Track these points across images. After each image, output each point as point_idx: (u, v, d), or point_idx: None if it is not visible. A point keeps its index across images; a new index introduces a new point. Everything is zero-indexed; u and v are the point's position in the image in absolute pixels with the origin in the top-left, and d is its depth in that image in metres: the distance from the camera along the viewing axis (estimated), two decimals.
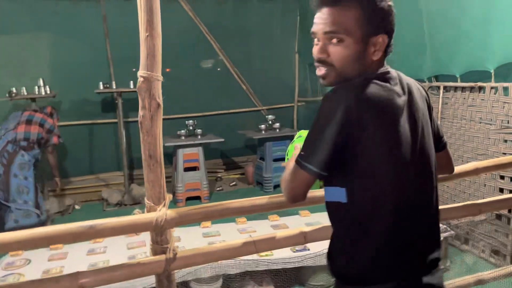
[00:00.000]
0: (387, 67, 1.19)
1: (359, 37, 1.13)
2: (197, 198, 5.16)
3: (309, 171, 1.11)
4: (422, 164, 1.18)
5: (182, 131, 5.22)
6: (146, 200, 1.33)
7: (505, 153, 3.03)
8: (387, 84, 1.13)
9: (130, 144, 5.83)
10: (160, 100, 1.20)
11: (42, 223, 3.87)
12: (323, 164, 1.09)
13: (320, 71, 1.19)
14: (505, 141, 3.05)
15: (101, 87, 5.12)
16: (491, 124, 3.13)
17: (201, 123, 5.63)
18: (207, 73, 6.33)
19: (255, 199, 1.49)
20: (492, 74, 3.15)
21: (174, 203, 5.08)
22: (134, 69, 5.10)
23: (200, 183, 5.13)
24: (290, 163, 1.33)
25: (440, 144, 1.35)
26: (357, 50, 1.13)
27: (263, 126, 5.52)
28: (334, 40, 1.14)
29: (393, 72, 1.19)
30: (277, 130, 5.55)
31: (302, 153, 1.13)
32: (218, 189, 5.66)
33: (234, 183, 5.94)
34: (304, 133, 1.57)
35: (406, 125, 1.14)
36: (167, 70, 5.75)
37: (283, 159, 5.50)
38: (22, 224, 3.73)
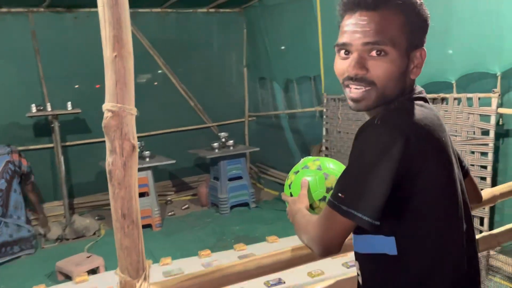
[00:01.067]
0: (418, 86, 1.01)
1: (404, 49, 0.92)
2: (148, 226, 4.76)
3: (357, 220, 0.86)
4: (463, 197, 0.98)
5: None
6: (119, 273, 1.01)
7: (473, 165, 2.99)
8: (432, 106, 0.94)
9: (69, 170, 5.33)
10: (135, 140, 0.90)
11: (33, 237, 4.29)
12: (377, 211, 0.85)
13: (355, 92, 0.96)
14: (472, 152, 3.01)
15: (34, 109, 4.59)
16: (456, 136, 3.08)
17: (147, 143, 5.24)
18: (151, 90, 5.95)
19: (259, 258, 1.21)
20: (454, 85, 3.12)
21: None
22: (77, 86, 4.65)
23: (151, 209, 4.74)
24: (297, 204, 1.15)
25: (463, 169, 1.13)
26: (401, 65, 0.93)
27: (216, 144, 5.24)
28: (374, 53, 0.92)
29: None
30: (231, 148, 5.29)
31: (340, 195, 0.88)
32: (169, 214, 5.28)
33: (186, 206, 5.59)
34: (309, 161, 1.31)
35: (451, 154, 0.95)
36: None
37: (238, 178, 5.25)
38: (15, 238, 4.11)
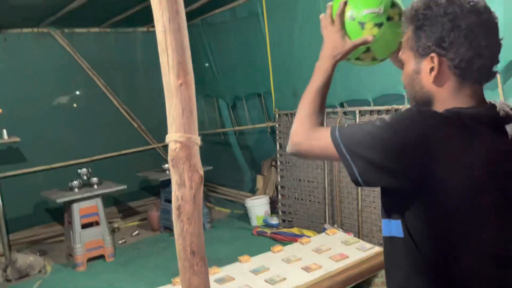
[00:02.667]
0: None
1: (416, 51, 1.02)
2: (101, 257, 4.47)
3: (348, 168, 0.98)
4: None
5: (74, 182, 4.50)
6: None
7: None
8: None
9: (3, 203, 4.87)
10: (201, 171, 0.86)
11: None
12: (368, 172, 0.97)
13: None
14: None
15: None
16: None
17: (90, 168, 4.94)
18: (92, 113, 5.66)
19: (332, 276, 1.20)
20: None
21: (72, 268, 4.31)
22: (11, 111, 4.23)
23: (103, 239, 4.46)
24: (331, 28, 1.14)
25: None
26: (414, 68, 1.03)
27: (166, 166, 5.08)
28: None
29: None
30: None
31: (346, 139, 0.99)
32: (120, 242, 5.00)
33: (136, 232, 5.33)
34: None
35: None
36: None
37: None
38: None
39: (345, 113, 3.86)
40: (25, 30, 5.03)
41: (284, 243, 3.88)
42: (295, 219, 4.47)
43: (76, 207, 4.35)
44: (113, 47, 5.70)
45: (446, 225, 0.96)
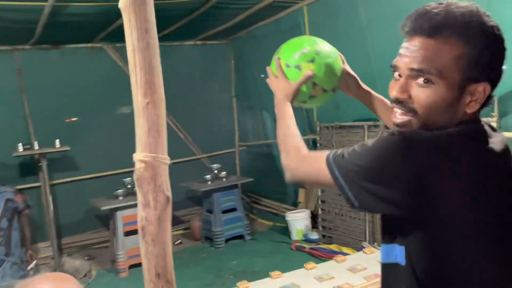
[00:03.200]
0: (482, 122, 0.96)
1: (455, 82, 0.88)
2: (140, 265, 4.58)
3: (341, 187, 0.93)
4: None
5: (119, 190, 4.67)
6: None
7: None
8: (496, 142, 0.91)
9: (57, 209, 5.14)
10: (169, 192, 0.84)
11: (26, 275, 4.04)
12: (363, 197, 0.91)
13: (398, 118, 0.94)
14: None
15: (21, 148, 4.44)
16: None
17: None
18: None
19: None
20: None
21: (115, 274, 4.45)
22: (67, 121, 4.55)
23: None
24: (275, 79, 1.34)
25: None
26: (448, 97, 0.88)
27: (208, 176, 5.14)
28: (420, 80, 0.89)
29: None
30: (224, 179, 5.20)
31: (339, 155, 0.96)
32: None
33: (179, 241, 5.43)
34: (296, 43, 1.34)
35: None
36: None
37: (232, 210, 5.14)
38: (18, 276, 4.00)
39: (386, 127, 3.70)
40: (80, 45, 5.34)
41: (318, 260, 3.76)
42: (335, 235, 4.33)
43: (119, 214, 4.50)
44: (162, 60, 5.83)
45: (448, 255, 0.88)
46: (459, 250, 0.87)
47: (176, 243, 5.36)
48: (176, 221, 6.07)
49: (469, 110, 0.91)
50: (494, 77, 0.91)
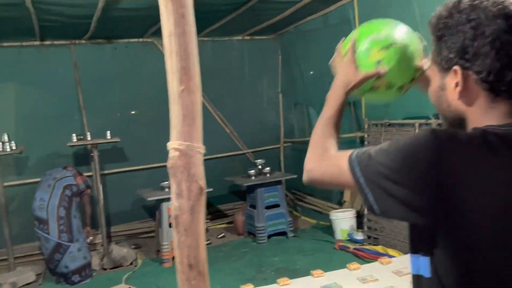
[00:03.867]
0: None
1: (440, 66, 0.89)
2: None
3: (361, 189, 0.86)
4: None
5: (165, 182, 4.76)
6: None
7: None
8: None
9: (106, 199, 5.33)
10: (203, 181, 0.81)
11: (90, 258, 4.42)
12: (383, 201, 0.84)
13: None
14: None
15: (75, 139, 4.64)
16: None
17: None
18: None
19: None
20: None
21: (159, 263, 4.56)
22: (118, 114, 4.72)
23: None
24: (341, 61, 1.15)
25: None
26: (435, 83, 0.91)
27: (252, 172, 5.14)
28: None
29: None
30: (268, 175, 5.18)
31: (363, 153, 0.89)
32: (205, 243, 5.16)
33: (222, 234, 5.47)
34: (375, 25, 1.15)
35: None
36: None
37: (275, 206, 5.11)
38: (88, 260, 4.33)
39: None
40: (131, 40, 5.49)
41: (362, 261, 3.65)
42: (381, 236, 4.19)
43: (165, 206, 4.59)
44: (209, 55, 5.94)
45: (475, 265, 0.81)
46: (490, 262, 0.80)
47: (219, 236, 5.41)
48: (220, 215, 6.13)
49: (455, 96, 0.86)
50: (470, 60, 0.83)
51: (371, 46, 1.07)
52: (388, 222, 4.08)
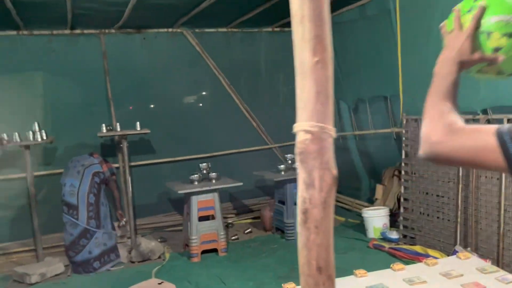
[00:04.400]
0: None
1: None
2: (214, 250, 4.57)
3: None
4: None
5: (194, 175, 4.67)
6: None
7: None
8: None
9: (133, 191, 5.27)
10: (336, 170, 0.70)
11: (116, 242, 4.55)
12: None
13: None
14: None
15: (104, 129, 4.57)
16: None
17: (211, 164, 5.09)
18: (215, 110, 5.87)
19: None
20: None
21: (187, 258, 4.47)
22: (152, 106, 4.65)
23: (217, 233, 4.55)
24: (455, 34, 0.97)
25: None
26: None
27: (282, 166, 5.01)
28: None
29: None
30: (298, 171, 5.04)
31: None
32: (233, 238, 5.07)
33: (249, 229, 5.36)
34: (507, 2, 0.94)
35: None
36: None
37: None
38: (109, 246, 4.39)
39: (488, 121, 3.35)
40: (161, 30, 5.40)
41: (404, 261, 3.51)
42: (419, 236, 4.04)
43: (194, 199, 4.50)
44: (239, 47, 5.83)
45: None
46: None
47: (246, 231, 5.31)
48: (245, 210, 6.03)
49: None
50: None
51: (495, 28, 0.92)
52: (428, 221, 3.93)
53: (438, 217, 3.81)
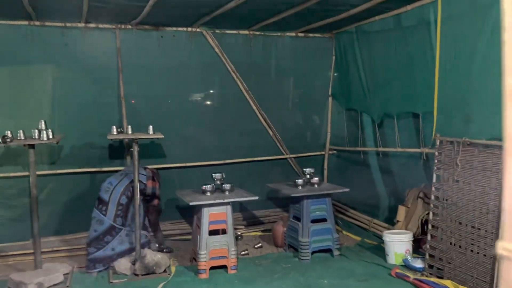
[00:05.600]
0: None
1: None
2: (223, 267, 4.27)
3: None
4: None
5: (207, 186, 4.38)
6: None
7: None
8: None
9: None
10: None
11: (148, 242, 4.57)
12: None
13: None
14: None
15: (115, 131, 4.29)
16: None
17: (222, 172, 4.78)
18: (230, 115, 5.59)
19: None
20: None
21: (195, 273, 4.18)
22: (165, 107, 4.34)
23: (227, 249, 4.25)
24: None
25: None
26: None
27: (300, 181, 4.71)
28: None
29: None
30: (316, 186, 4.75)
31: None
32: (242, 253, 4.77)
33: (259, 244, 5.06)
34: None
35: None
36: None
37: (322, 220, 4.68)
38: (131, 246, 4.35)
39: None
40: (180, 28, 5.12)
41: None
42: (448, 268, 3.73)
43: (206, 211, 4.21)
44: (260, 51, 5.54)
45: None
46: None
47: (256, 246, 5.01)
48: (255, 221, 5.74)
49: None
50: None
51: None
52: (459, 254, 3.61)
53: (472, 250, 3.49)
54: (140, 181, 4.39)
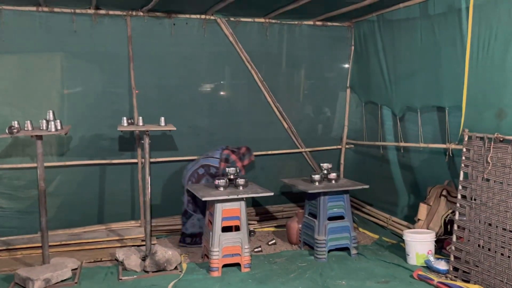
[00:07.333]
0: None
1: None
2: (236, 265, 4.11)
3: None
4: None
5: (221, 180, 4.20)
6: None
7: None
8: None
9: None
10: None
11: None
12: None
13: None
14: None
15: (125, 123, 4.11)
16: None
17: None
18: (244, 106, 5.40)
19: None
20: None
21: (206, 271, 4.02)
22: (177, 98, 4.11)
23: (241, 246, 4.08)
24: None
25: None
26: None
27: (317, 177, 4.51)
28: None
29: None
30: (333, 182, 4.55)
31: None
32: (256, 250, 4.60)
33: (273, 241, 4.89)
34: None
35: None
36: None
37: (339, 218, 4.49)
38: (200, 231, 4.67)
39: None
40: (193, 16, 4.92)
41: None
42: (475, 272, 3.52)
43: (219, 207, 4.04)
44: (275, 39, 5.32)
45: None
46: None
47: (270, 243, 4.85)
48: (268, 217, 5.57)
49: None
50: None
51: None
52: (488, 257, 3.40)
53: (502, 254, 3.28)
54: (210, 166, 4.62)
